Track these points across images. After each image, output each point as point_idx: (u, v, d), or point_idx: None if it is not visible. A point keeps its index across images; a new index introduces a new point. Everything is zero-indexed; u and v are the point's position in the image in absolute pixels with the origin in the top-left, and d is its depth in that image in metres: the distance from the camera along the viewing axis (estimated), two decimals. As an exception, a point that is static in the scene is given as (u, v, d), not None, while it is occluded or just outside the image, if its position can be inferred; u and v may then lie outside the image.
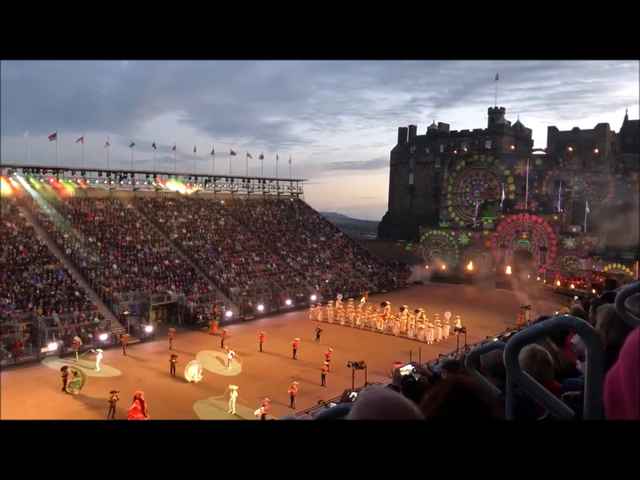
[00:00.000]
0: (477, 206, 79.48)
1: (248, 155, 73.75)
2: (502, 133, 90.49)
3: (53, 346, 35.44)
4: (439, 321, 40.89)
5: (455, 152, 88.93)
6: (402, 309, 44.12)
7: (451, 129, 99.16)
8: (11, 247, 44.22)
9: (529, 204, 74.74)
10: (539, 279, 60.63)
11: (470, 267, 70.05)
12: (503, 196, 77.86)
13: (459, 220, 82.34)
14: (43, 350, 35.06)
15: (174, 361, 30.92)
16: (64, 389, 28.23)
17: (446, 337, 39.54)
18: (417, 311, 43.16)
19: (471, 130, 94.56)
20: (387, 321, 42.88)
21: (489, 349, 3.33)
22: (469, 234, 75.23)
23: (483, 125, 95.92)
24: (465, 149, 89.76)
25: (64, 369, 28.97)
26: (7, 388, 29.18)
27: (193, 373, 30.53)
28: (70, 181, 56.35)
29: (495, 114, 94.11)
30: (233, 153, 71.64)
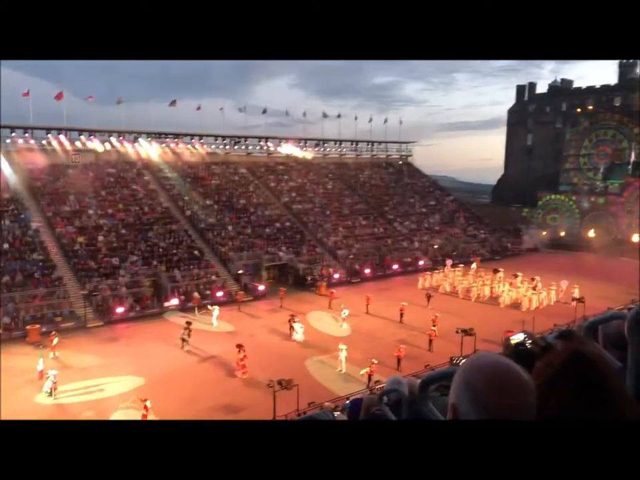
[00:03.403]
0: (602, 168, 73.66)
1: (356, 118, 73.33)
2: (634, 88, 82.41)
3: (174, 301, 38.22)
4: (554, 288, 39.44)
5: (579, 110, 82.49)
6: (516, 276, 42.56)
7: (575, 85, 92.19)
8: (137, 208, 47.73)
9: (663, 166, 68.17)
10: (671, 248, 55.58)
11: (591, 233, 65.63)
12: (633, 158, 71.42)
13: (581, 183, 76.98)
14: (166, 304, 37.90)
15: (293, 322, 31.87)
16: (183, 340, 30.06)
17: (554, 302, 37.70)
18: (532, 279, 41.42)
19: (597, 86, 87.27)
20: (494, 288, 41.61)
21: (609, 319, 3.12)
22: (592, 199, 70.21)
23: (612, 80, 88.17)
24: (590, 107, 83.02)
25: (188, 323, 30.90)
26: (135, 337, 32.08)
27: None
28: (189, 145, 59.26)
29: (627, 67, 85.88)
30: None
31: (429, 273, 46.55)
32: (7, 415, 21.43)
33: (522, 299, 38.53)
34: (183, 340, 29.61)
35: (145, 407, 20.78)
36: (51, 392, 23.38)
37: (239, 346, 26.64)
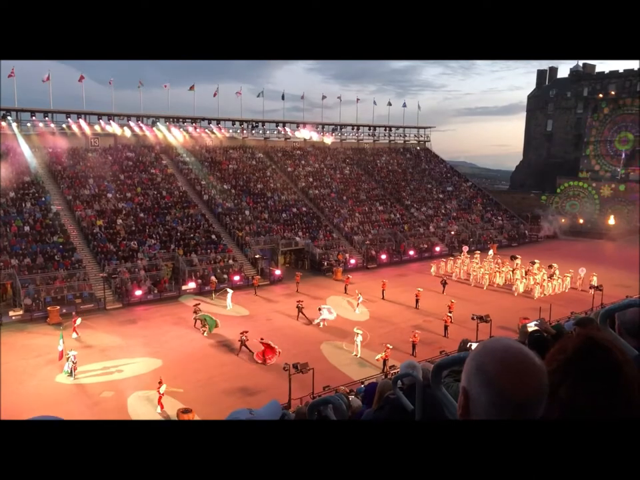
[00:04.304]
0: (624, 155, 72.36)
1: (374, 103, 72.67)
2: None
3: (192, 284, 38.56)
4: (569, 275, 39.28)
5: (601, 95, 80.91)
6: (533, 263, 42.20)
7: (598, 69, 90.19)
8: (155, 192, 48.03)
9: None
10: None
11: (611, 221, 64.72)
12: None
13: (601, 170, 75.74)
14: (183, 287, 38.27)
15: (300, 305, 32.23)
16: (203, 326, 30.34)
17: (568, 289, 37.37)
18: (550, 266, 41.05)
19: (621, 70, 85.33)
20: (508, 275, 41.32)
21: (625, 307, 3.10)
22: (613, 185, 69.12)
23: (636, 64, 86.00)
24: (613, 92, 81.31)
25: (196, 304, 31.38)
26: (153, 319, 32.49)
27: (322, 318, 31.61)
28: (206, 130, 59.30)
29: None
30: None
31: (444, 260, 46.31)
32: (29, 394, 21.95)
33: (534, 286, 38.25)
34: (203, 327, 29.84)
35: (158, 390, 21.06)
36: (71, 372, 23.83)
37: (244, 332, 27.03)
